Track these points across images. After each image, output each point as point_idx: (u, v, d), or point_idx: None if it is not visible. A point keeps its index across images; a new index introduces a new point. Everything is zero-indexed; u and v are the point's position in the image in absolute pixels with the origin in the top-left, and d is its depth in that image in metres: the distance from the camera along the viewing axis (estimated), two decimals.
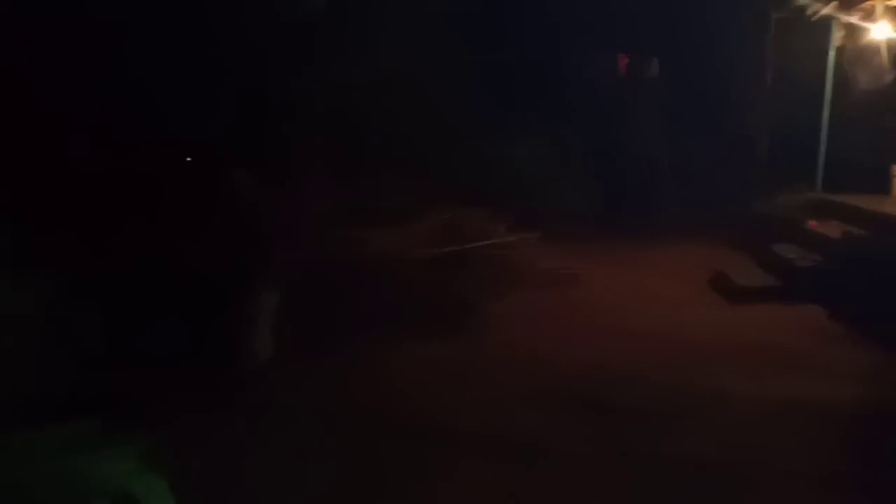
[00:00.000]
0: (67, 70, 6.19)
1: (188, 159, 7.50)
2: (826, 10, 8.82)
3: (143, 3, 6.62)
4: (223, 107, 6.84)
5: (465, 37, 9.52)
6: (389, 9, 8.33)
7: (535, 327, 6.06)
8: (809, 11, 9.16)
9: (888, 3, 7.91)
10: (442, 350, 5.33)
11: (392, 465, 3.61)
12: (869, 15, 8.33)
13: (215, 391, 4.41)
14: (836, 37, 9.09)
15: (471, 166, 9.12)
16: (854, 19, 8.60)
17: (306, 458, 3.65)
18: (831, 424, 3.97)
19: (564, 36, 11.46)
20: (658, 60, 10.56)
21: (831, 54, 9.12)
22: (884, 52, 8.41)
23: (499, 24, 11.22)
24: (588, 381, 4.69)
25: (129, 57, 6.41)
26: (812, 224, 8.01)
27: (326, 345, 5.28)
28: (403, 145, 8.41)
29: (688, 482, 3.39)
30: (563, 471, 3.53)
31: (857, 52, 8.75)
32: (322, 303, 5.64)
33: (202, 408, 4.15)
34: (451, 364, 5.08)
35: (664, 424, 4.02)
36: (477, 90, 9.94)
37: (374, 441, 3.85)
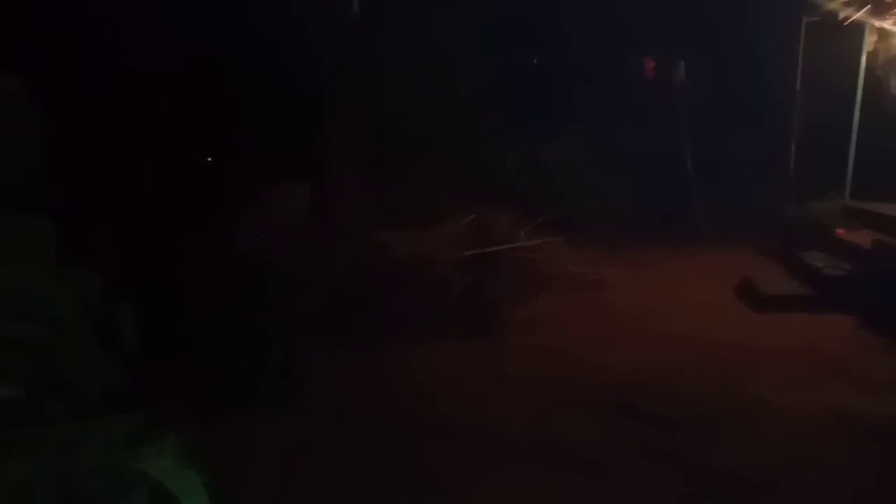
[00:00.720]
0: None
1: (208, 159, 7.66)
2: (858, 15, 8.69)
3: (174, 9, 6.78)
4: (250, 111, 6.99)
5: (494, 38, 9.56)
6: (419, 10, 8.41)
7: (564, 331, 6.11)
8: (841, 16, 9.04)
9: None
10: (472, 354, 5.42)
11: (438, 469, 3.65)
12: None
13: (252, 392, 4.49)
14: (868, 41, 8.96)
15: (499, 168, 9.18)
16: (886, 24, 8.47)
17: (348, 462, 3.71)
18: (866, 435, 3.94)
19: (595, 38, 11.45)
20: (685, 63, 10.47)
21: (863, 59, 8.99)
22: None
23: (529, 25, 11.25)
24: (620, 387, 4.73)
25: (165, 61, 6.58)
26: (840, 232, 7.90)
27: (359, 348, 5.36)
28: (432, 147, 8.50)
29: (729, 491, 3.40)
30: (607, 477, 3.56)
31: (889, 57, 8.61)
32: (353, 305, 5.74)
33: (237, 407, 4.23)
34: (481, 369, 5.16)
35: (702, 432, 4.03)
36: (507, 91, 9.98)
37: (415, 445, 3.91)
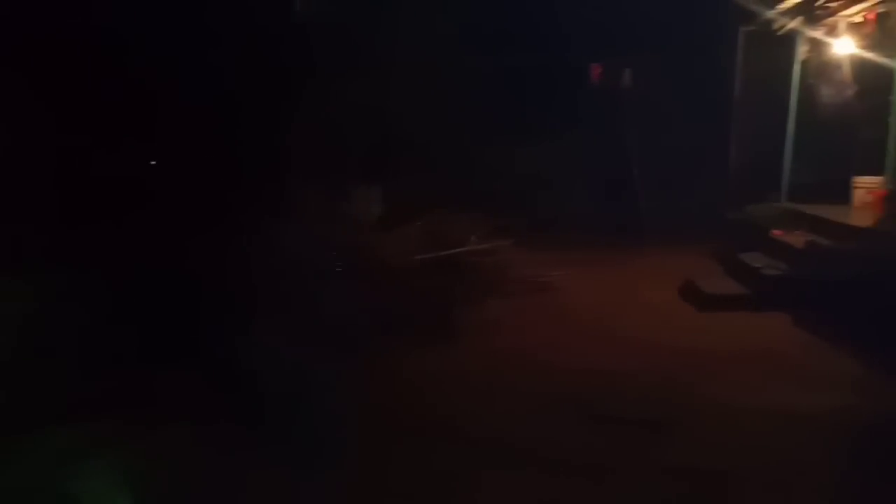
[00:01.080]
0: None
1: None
2: (792, 25, 9.08)
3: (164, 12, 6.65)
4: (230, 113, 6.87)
5: (448, 44, 9.61)
6: (388, 15, 8.40)
7: (516, 335, 6.14)
8: (776, 25, 9.43)
9: (850, 19, 8.17)
10: (424, 360, 5.37)
11: (402, 473, 3.63)
12: (832, 30, 8.61)
13: (218, 398, 4.40)
14: (802, 51, 9.36)
15: (454, 171, 9.21)
16: (818, 34, 8.87)
17: (313, 466, 3.63)
18: (809, 430, 4.07)
19: (545, 43, 11.62)
20: (630, 71, 10.75)
21: (797, 68, 9.39)
22: (846, 67, 8.69)
23: (479, 31, 11.33)
24: (574, 389, 4.77)
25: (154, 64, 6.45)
26: (776, 233, 8.22)
27: (311, 351, 5.28)
28: (391, 152, 8.49)
29: (681, 487, 3.46)
30: (572, 479, 3.57)
31: (821, 66, 9.02)
32: (303, 308, 5.66)
33: (201, 413, 4.13)
34: (433, 374, 5.12)
35: (652, 432, 4.10)
36: (460, 97, 10.03)
37: (384, 451, 3.87)
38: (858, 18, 8.11)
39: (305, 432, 3.94)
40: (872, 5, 7.66)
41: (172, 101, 6.57)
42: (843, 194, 9.33)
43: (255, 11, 6.86)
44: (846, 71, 8.74)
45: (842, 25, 8.37)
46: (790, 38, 9.50)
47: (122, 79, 6.68)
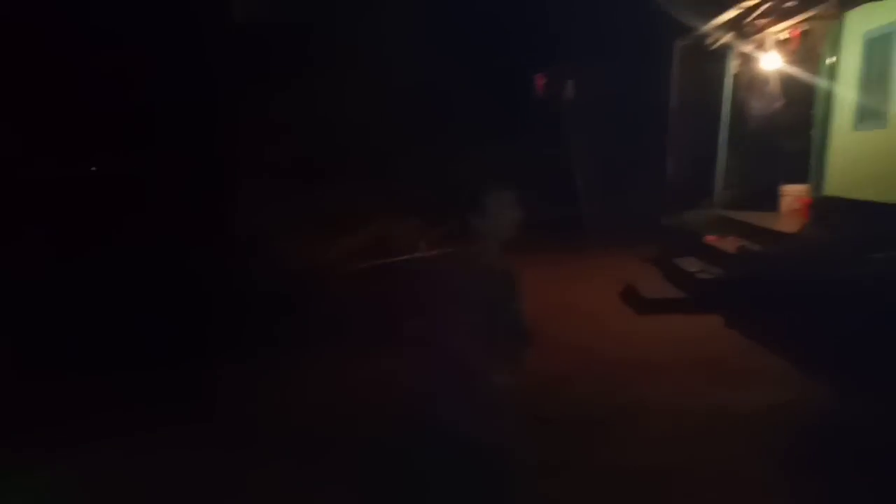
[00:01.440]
0: None
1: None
2: (724, 40, 9.50)
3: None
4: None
5: (402, 49, 9.62)
6: (334, 20, 8.33)
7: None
8: (710, 40, 9.84)
9: (776, 36, 8.60)
10: (369, 368, 5.31)
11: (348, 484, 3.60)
12: (761, 45, 9.04)
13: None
14: (733, 65, 9.80)
15: (403, 177, 9.20)
16: (748, 49, 9.30)
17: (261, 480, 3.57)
18: (738, 426, 4.23)
19: (492, 54, 11.79)
20: (573, 82, 11.00)
21: (728, 81, 9.81)
22: (773, 81, 9.14)
23: (435, 38, 11.38)
24: (522, 394, 4.75)
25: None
26: (710, 239, 8.54)
27: (254, 361, 5.18)
28: (337, 157, 8.41)
29: (620, 486, 3.54)
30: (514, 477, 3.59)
31: (751, 80, 9.46)
32: (243, 317, 5.54)
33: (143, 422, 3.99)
34: (377, 383, 5.06)
35: (590, 435, 4.18)
36: (409, 103, 10.04)
37: (317, 460, 3.82)
38: (784, 35, 8.55)
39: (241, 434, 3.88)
40: (796, 24, 8.09)
41: (104, 104, 6.36)
42: (771, 202, 9.78)
43: (190, 14, 6.70)
44: (774, 85, 9.18)
45: (769, 42, 8.81)
46: (722, 53, 9.94)
47: (56, 83, 6.43)
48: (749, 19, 8.56)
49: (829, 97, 7.13)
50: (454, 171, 9.81)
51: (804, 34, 8.42)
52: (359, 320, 6.04)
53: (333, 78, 8.12)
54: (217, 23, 6.92)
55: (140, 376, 4.87)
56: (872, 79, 7.51)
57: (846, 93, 7.66)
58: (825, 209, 7.19)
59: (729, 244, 8.01)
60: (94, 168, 7.28)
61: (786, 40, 8.59)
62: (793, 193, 9.37)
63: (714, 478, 3.62)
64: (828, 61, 7.72)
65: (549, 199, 10.54)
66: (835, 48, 7.14)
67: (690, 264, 8.02)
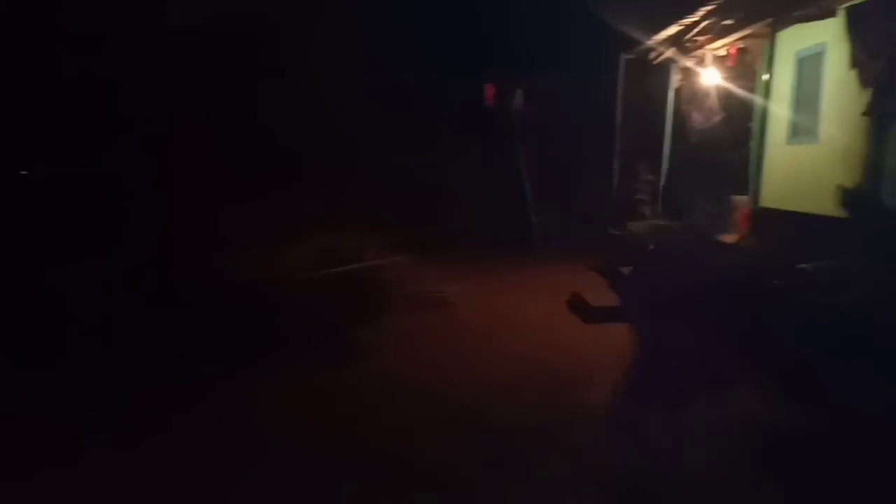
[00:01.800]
0: None
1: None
2: (667, 55, 9.79)
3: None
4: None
5: (353, 58, 9.57)
6: (279, 28, 8.22)
7: (409, 352, 6.12)
8: (653, 55, 10.13)
9: (715, 52, 8.92)
10: (316, 380, 5.23)
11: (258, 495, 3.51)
12: (701, 61, 9.36)
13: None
14: (675, 79, 10.11)
15: (351, 187, 9.13)
16: (689, 64, 9.61)
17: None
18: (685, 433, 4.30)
19: (442, 65, 11.84)
20: (522, 92, 11.14)
21: (671, 94, 10.11)
22: (713, 95, 9.46)
23: (388, 47, 11.38)
24: (462, 407, 4.78)
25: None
26: (652, 248, 8.76)
27: (195, 377, 5.04)
28: (286, 166, 8.29)
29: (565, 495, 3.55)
30: (454, 494, 3.58)
31: (692, 94, 9.77)
32: (186, 328, 5.39)
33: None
34: (324, 394, 4.99)
35: (536, 444, 4.17)
36: (356, 114, 9.98)
37: (256, 475, 3.70)
38: (723, 52, 8.87)
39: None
40: (733, 41, 8.41)
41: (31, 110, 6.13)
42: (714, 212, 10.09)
43: (131, 21, 6.52)
44: (714, 99, 9.50)
45: (709, 58, 9.13)
46: (666, 67, 10.24)
47: None
48: (689, 36, 8.84)
49: (765, 112, 7.43)
50: (403, 181, 9.83)
51: (741, 51, 8.75)
52: (307, 330, 5.96)
53: (280, 88, 8.02)
54: (159, 32, 6.75)
55: (75, 393, 4.67)
56: (804, 96, 7.87)
57: (780, 108, 8.00)
58: (762, 220, 7.46)
59: (671, 252, 8.21)
60: (24, 172, 6.98)
61: (724, 57, 8.91)
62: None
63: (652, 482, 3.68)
64: (763, 78, 8.04)
65: (498, 209, 10.66)
66: (770, 66, 7.44)
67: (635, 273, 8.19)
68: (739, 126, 9.59)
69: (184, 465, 3.81)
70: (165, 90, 6.91)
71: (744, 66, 9.00)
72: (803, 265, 5.38)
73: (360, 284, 7.26)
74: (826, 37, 7.17)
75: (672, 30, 8.80)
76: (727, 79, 9.40)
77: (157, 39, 6.84)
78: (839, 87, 6.93)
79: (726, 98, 9.52)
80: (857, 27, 6.04)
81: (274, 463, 3.85)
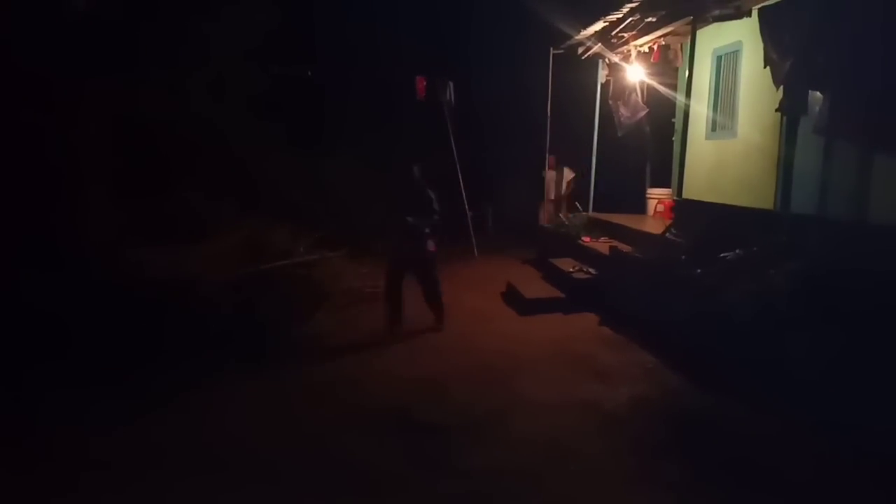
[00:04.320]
0: None
1: None
2: (594, 50, 10.01)
3: None
4: None
5: (269, 47, 9.30)
6: (187, 10, 7.85)
7: (340, 349, 6.05)
8: (581, 49, 10.34)
9: (639, 49, 9.18)
10: (245, 383, 5.09)
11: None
12: (626, 57, 9.61)
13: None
14: (602, 74, 10.35)
15: (277, 182, 8.88)
16: (616, 59, 9.86)
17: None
18: (606, 421, 4.45)
19: (373, 56, 11.71)
20: (453, 85, 11.14)
21: (598, 89, 10.36)
22: (638, 91, 9.76)
23: (307, 37, 11.14)
24: (395, 401, 4.77)
25: None
26: (585, 240, 8.99)
27: (126, 381, 4.80)
28: (202, 157, 7.94)
29: (491, 488, 3.58)
30: (381, 492, 3.56)
31: (619, 89, 10.04)
32: (112, 333, 5.11)
33: None
34: (253, 397, 4.87)
35: (467, 436, 4.22)
36: (282, 103, 9.73)
37: (189, 483, 3.57)
38: (646, 49, 9.14)
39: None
40: (656, 38, 8.68)
41: None
42: (640, 204, 10.45)
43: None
44: (639, 94, 9.80)
45: (633, 54, 9.38)
46: (593, 63, 10.47)
47: None
48: (615, 32, 9.07)
49: (686, 108, 7.71)
50: (330, 176, 9.67)
51: (664, 48, 9.04)
52: (240, 330, 5.79)
53: (189, 78, 7.69)
54: (46, 14, 6.28)
55: None
56: (722, 92, 8.22)
57: (700, 104, 8.33)
58: (685, 211, 7.76)
59: (602, 245, 8.45)
60: None
61: (648, 53, 9.18)
62: (657, 196, 10.09)
63: (576, 472, 3.78)
64: (685, 74, 8.34)
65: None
66: (690, 63, 7.72)
67: (567, 265, 8.39)
68: (663, 121, 9.95)
69: (127, 474, 3.65)
70: (59, 78, 6.44)
71: (666, 63, 9.31)
72: (723, 254, 5.63)
73: (290, 281, 7.09)
74: (742, 36, 7.51)
75: (598, 26, 9.00)
76: (651, 75, 9.72)
77: (49, 24, 6.38)
78: (754, 84, 7.28)
79: (651, 93, 9.85)
80: (769, 27, 6.35)
81: (213, 467, 3.74)
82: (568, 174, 11.28)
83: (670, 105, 9.59)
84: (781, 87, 6.18)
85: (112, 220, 6.37)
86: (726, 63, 8.11)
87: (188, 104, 7.76)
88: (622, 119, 9.93)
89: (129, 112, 6.88)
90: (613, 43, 9.52)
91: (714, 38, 8.12)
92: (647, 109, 9.78)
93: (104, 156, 6.54)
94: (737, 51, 7.76)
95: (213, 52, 8.17)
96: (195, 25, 7.80)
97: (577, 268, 8.17)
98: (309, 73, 10.95)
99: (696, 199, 7.91)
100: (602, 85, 10.35)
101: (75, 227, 6.00)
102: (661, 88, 9.63)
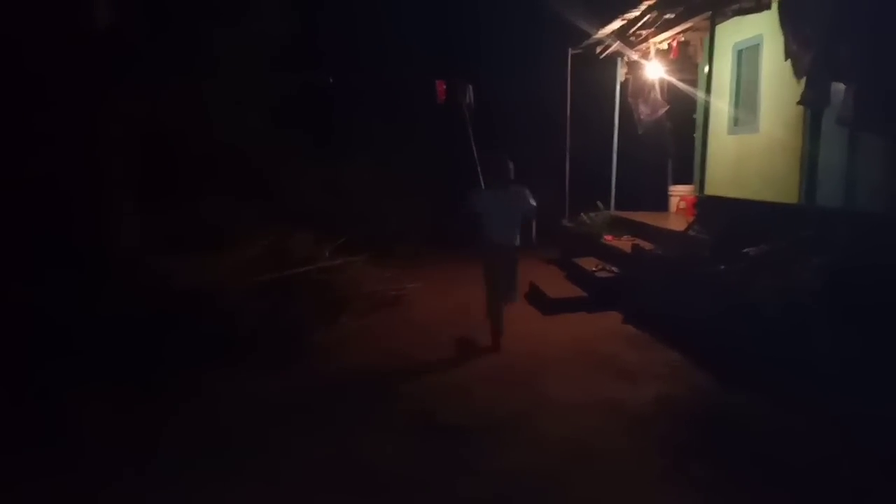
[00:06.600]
0: None
1: None
2: (612, 49, 9.97)
3: None
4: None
5: (290, 56, 9.42)
6: (207, 21, 7.98)
7: (364, 352, 6.12)
8: (599, 49, 10.31)
9: (658, 46, 9.13)
10: (272, 385, 5.18)
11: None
12: (646, 54, 9.56)
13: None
14: (622, 72, 10.30)
15: (297, 188, 8.99)
16: (634, 57, 9.82)
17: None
18: (629, 421, 4.43)
19: (389, 61, 11.79)
20: (472, 87, 11.16)
21: (618, 88, 10.31)
22: (658, 88, 9.70)
23: (324, 45, 11.27)
24: (420, 404, 4.81)
25: None
26: (608, 238, 8.95)
27: (154, 383, 4.93)
28: (225, 166, 8.08)
29: (519, 489, 3.59)
30: (413, 496, 3.59)
31: (638, 87, 9.98)
32: (143, 338, 5.24)
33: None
34: (282, 398, 4.95)
35: (493, 438, 4.23)
36: (304, 110, 9.84)
37: (221, 481, 3.66)
38: (665, 45, 9.08)
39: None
40: (675, 34, 8.62)
41: None
42: (662, 201, 10.38)
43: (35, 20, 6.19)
44: (659, 91, 9.74)
45: (653, 51, 9.33)
46: (612, 61, 10.44)
47: None
48: (633, 30, 9.03)
49: (707, 103, 7.65)
50: (349, 181, 9.75)
51: (683, 44, 8.99)
52: (264, 335, 5.89)
53: (211, 87, 7.81)
54: (70, 23, 6.43)
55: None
56: (743, 86, 8.15)
57: (721, 99, 8.26)
58: (708, 207, 7.69)
59: (624, 243, 8.41)
60: None
61: (667, 50, 9.13)
62: (680, 193, 10.00)
63: (602, 474, 3.77)
64: (705, 70, 8.28)
65: (451, 206, 10.68)
66: (710, 58, 7.66)
67: (590, 264, 8.36)
68: (684, 117, 9.88)
69: (157, 470, 3.75)
70: (84, 91, 6.60)
71: (686, 59, 9.25)
72: (746, 250, 5.58)
73: (313, 287, 7.18)
74: (762, 29, 7.44)
75: (616, 24, 8.97)
76: (671, 71, 9.65)
77: (76, 38, 6.54)
78: (775, 77, 7.20)
79: (671, 90, 9.77)
80: (790, 19, 6.27)
81: (238, 465, 3.83)
82: (588, 173, 11.22)
83: (691, 101, 9.52)
84: (803, 80, 6.11)
85: (134, 229, 6.52)
86: (747, 57, 8.03)
87: (208, 112, 7.89)
88: (642, 116, 9.87)
89: (150, 120, 7.02)
90: (632, 41, 9.48)
91: (734, 32, 8.05)
92: (668, 106, 9.71)
93: (126, 164, 6.69)
94: (757, 44, 7.68)
95: (234, 61, 8.30)
96: (215, 34, 7.93)
97: (599, 267, 8.14)
98: (331, 80, 11.06)
99: (718, 195, 7.84)
100: (621, 83, 10.30)
101: (99, 235, 6.16)
102: (681, 85, 9.56)
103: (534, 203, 6.23)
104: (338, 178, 9.70)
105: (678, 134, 10.31)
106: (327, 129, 10.54)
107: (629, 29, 9.05)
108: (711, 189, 7.68)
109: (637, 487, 3.63)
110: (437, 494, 3.59)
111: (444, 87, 11.53)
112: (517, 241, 6.10)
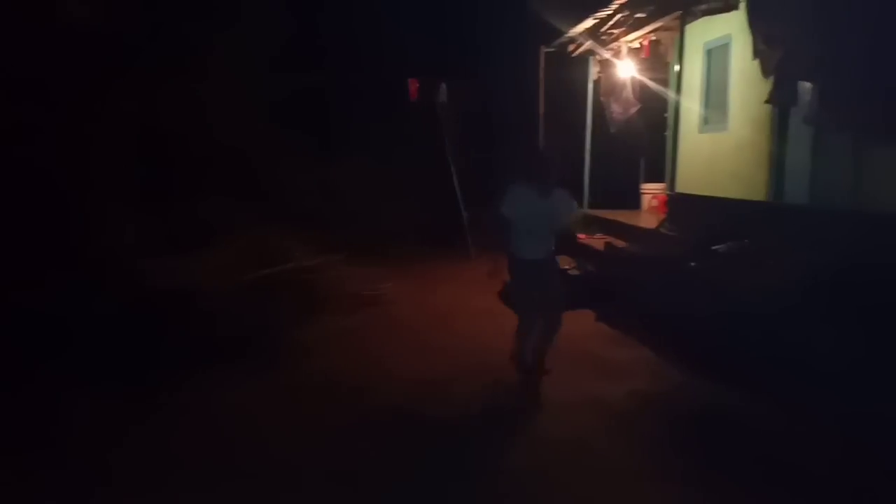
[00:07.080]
0: None
1: None
2: (585, 47, 10.03)
3: None
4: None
5: (275, 56, 9.33)
6: (199, 22, 7.88)
7: (344, 352, 6.05)
8: (571, 47, 10.36)
9: (630, 44, 9.20)
10: (250, 386, 5.09)
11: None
12: (617, 53, 9.63)
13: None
14: (594, 71, 10.37)
15: (292, 188, 8.91)
16: (607, 56, 9.89)
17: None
18: (613, 415, 4.48)
19: (365, 60, 11.71)
20: (446, 86, 11.17)
21: (590, 86, 10.38)
22: (630, 86, 9.77)
23: (306, 47, 11.15)
24: (400, 403, 4.78)
25: None
26: (581, 237, 9.00)
27: (132, 383, 4.81)
28: (221, 166, 7.99)
29: (507, 488, 3.58)
30: (397, 495, 3.56)
31: (610, 86, 10.06)
32: (122, 338, 5.14)
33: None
34: (260, 400, 4.87)
35: (479, 437, 4.23)
36: (284, 112, 9.75)
37: (195, 486, 3.57)
38: (637, 44, 9.16)
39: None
40: (646, 33, 8.70)
41: None
42: (634, 199, 10.48)
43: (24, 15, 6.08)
44: (630, 90, 9.82)
45: (624, 50, 9.41)
46: (584, 60, 10.50)
47: None
48: (605, 28, 9.09)
49: (678, 102, 7.73)
50: (327, 181, 9.68)
51: (654, 43, 9.07)
52: (246, 334, 5.80)
53: (190, 88, 7.70)
54: (58, 23, 6.31)
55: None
56: (713, 86, 8.25)
57: (692, 98, 8.36)
58: (679, 205, 7.78)
59: (597, 241, 8.46)
60: None
61: (639, 49, 9.20)
62: (651, 191, 10.11)
63: (584, 469, 3.77)
64: (675, 69, 8.37)
65: (427, 205, 10.66)
66: (680, 57, 7.74)
67: (564, 262, 8.37)
68: (656, 116, 9.97)
69: (144, 474, 3.66)
70: (77, 86, 6.48)
71: (657, 58, 9.34)
72: (716, 247, 5.65)
73: (293, 286, 7.11)
74: (731, 29, 7.54)
75: (588, 23, 9.03)
76: (642, 70, 9.74)
77: (55, 35, 6.41)
78: (744, 77, 7.31)
79: (643, 89, 9.86)
80: (757, 19, 6.37)
81: (221, 470, 3.75)
82: (561, 171, 11.27)
83: (663, 100, 9.62)
84: (771, 79, 6.20)
85: (124, 228, 6.43)
86: (717, 57, 8.14)
87: (204, 112, 7.79)
88: (614, 115, 9.94)
89: (146, 120, 6.93)
90: (604, 40, 9.55)
91: (704, 32, 8.15)
92: (639, 105, 9.79)
93: (122, 164, 6.59)
94: (727, 44, 7.79)
95: (231, 60, 8.21)
96: (213, 34, 7.83)
97: (573, 265, 8.17)
98: (313, 83, 10.97)
99: (689, 192, 7.93)
100: (594, 82, 10.37)
101: (90, 235, 6.05)
102: (653, 84, 9.65)
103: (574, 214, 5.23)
104: (333, 177, 9.62)
105: (651, 132, 10.40)
106: (324, 129, 10.43)
107: (601, 27, 9.11)
108: (683, 187, 7.76)
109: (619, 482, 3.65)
110: (424, 493, 3.56)
111: (417, 85, 11.56)
112: (552, 251, 5.14)
